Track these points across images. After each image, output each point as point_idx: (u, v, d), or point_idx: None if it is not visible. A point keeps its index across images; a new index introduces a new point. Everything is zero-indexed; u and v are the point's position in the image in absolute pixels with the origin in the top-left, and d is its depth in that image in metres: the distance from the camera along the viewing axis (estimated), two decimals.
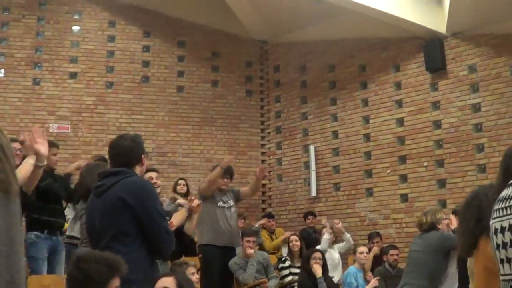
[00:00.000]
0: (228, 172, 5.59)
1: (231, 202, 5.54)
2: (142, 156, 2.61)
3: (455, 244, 3.70)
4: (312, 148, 8.12)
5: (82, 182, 3.80)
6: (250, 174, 8.24)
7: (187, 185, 6.43)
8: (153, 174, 4.36)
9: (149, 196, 2.46)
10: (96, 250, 2.27)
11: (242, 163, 7.68)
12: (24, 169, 2.85)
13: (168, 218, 3.60)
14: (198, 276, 4.25)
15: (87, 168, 4.01)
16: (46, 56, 7.74)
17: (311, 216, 7.41)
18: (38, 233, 4.54)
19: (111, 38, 7.93)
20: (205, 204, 5.11)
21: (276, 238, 7.50)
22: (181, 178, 6.54)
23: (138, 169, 2.61)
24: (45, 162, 2.96)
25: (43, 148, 2.89)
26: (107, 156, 2.96)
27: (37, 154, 2.85)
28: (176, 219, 3.96)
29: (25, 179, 2.81)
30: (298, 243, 5.95)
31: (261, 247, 6.62)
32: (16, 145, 3.58)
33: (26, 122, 7.71)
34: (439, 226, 4.07)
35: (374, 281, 5.25)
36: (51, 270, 4.59)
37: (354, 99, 7.81)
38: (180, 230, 4.39)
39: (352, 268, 5.73)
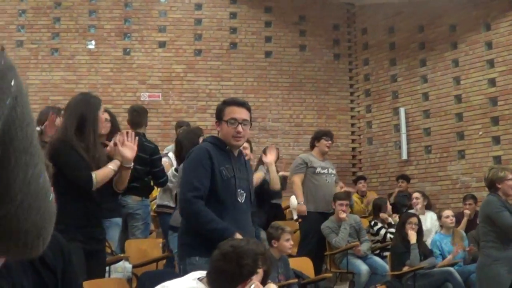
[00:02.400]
0: (329, 135, 6.19)
1: (331, 169, 6.03)
2: (216, 122, 3.11)
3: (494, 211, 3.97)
4: (402, 111, 8.66)
5: (181, 147, 4.32)
6: (340, 138, 8.84)
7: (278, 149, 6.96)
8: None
9: (185, 161, 3.17)
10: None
11: (332, 127, 8.37)
12: (104, 173, 3.02)
13: None
14: (292, 243, 4.72)
15: (184, 134, 4.58)
16: (135, 27, 8.51)
17: (401, 180, 7.85)
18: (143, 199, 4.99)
19: (198, 6, 8.66)
20: (306, 171, 5.90)
21: (367, 202, 8.01)
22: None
23: (220, 134, 3.09)
24: (131, 165, 3.13)
25: (129, 153, 3.07)
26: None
27: (123, 158, 3.05)
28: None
29: (102, 183, 3.01)
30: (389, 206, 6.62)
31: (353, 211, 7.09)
32: (106, 115, 4.05)
33: (118, 92, 8.50)
34: (499, 186, 4.09)
35: (456, 251, 5.70)
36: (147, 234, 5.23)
37: (444, 60, 8.36)
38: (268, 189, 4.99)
39: (436, 237, 6.12)
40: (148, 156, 4.68)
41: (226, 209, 2.94)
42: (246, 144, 4.94)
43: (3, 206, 0.89)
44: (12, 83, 0.90)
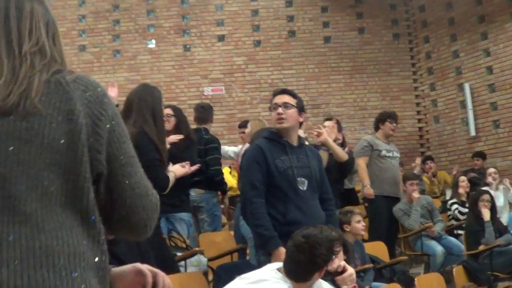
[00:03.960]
0: (393, 117, 6.43)
1: (396, 152, 6.18)
2: None
3: None
4: (467, 86, 8.98)
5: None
6: (405, 118, 9.14)
7: (342, 135, 7.14)
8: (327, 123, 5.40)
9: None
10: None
11: (397, 108, 8.78)
12: (172, 178, 3.44)
13: None
14: (364, 224, 4.84)
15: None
16: (193, 23, 9.04)
17: (477, 158, 8.04)
18: (214, 193, 5.32)
19: None
20: (371, 154, 6.13)
21: (438, 181, 8.20)
22: (327, 119, 7.26)
23: None
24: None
25: (178, 171, 3.53)
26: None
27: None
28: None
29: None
30: (465, 183, 6.73)
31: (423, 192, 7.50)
32: (168, 110, 4.43)
33: (181, 88, 9.02)
34: None
35: None
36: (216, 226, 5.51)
37: (505, 32, 8.69)
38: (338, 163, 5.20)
39: None
40: (203, 147, 5.06)
41: (289, 199, 3.28)
42: (328, 123, 5.18)
43: (118, 211, 1.23)
44: (109, 107, 1.23)
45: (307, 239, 2.57)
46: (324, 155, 5.13)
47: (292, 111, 3.36)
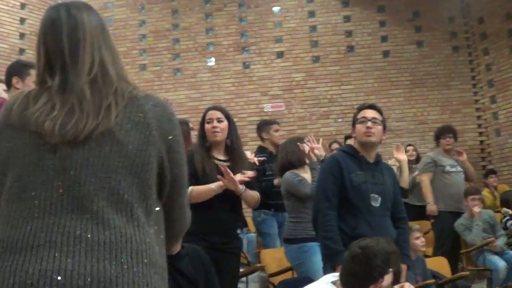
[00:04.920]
0: (449, 131, 6.64)
1: (459, 166, 6.44)
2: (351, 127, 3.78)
3: None
4: None
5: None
6: (466, 132, 9.35)
7: (416, 150, 7.25)
8: None
9: None
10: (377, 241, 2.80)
11: (457, 122, 9.02)
12: (203, 191, 3.39)
13: None
14: (423, 240, 5.00)
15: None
16: (252, 40, 9.38)
17: None
18: (266, 211, 5.56)
19: (311, 13, 9.50)
20: (435, 170, 6.40)
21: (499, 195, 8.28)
22: (410, 145, 7.96)
23: (355, 140, 3.72)
24: (243, 190, 3.52)
25: (231, 185, 3.44)
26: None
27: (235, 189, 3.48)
28: None
29: (197, 199, 3.32)
30: None
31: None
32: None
33: (241, 105, 9.39)
34: None
35: None
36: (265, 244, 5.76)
37: None
38: None
39: None
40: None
41: (360, 213, 3.42)
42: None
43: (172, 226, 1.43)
44: (176, 128, 1.40)
45: (363, 250, 2.60)
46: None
47: (380, 128, 3.58)
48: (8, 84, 3.58)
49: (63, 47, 1.36)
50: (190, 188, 3.28)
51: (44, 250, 1.20)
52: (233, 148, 3.61)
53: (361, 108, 3.67)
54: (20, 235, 1.24)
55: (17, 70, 3.56)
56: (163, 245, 1.36)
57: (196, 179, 3.41)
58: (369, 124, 3.51)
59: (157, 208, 1.35)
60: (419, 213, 6.86)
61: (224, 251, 3.47)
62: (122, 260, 1.22)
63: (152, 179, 1.32)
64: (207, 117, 3.59)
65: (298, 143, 4.41)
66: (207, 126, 3.56)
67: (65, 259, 1.19)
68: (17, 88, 3.50)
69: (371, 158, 3.58)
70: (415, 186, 6.96)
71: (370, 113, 3.58)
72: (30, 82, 3.52)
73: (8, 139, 1.34)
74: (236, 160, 3.57)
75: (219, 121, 3.56)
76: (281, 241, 5.37)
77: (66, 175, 1.27)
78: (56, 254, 1.20)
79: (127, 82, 1.41)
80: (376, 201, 3.44)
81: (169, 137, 1.36)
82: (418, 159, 7.53)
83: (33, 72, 3.52)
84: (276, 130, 6.09)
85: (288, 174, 4.46)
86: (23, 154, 1.31)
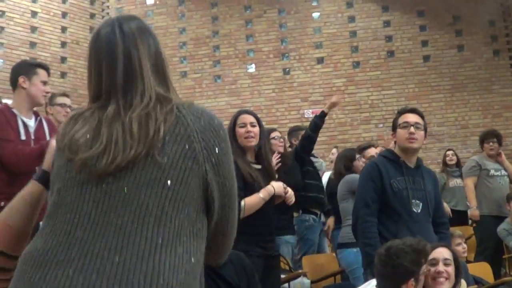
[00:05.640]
0: (493, 136, 6.78)
1: (504, 170, 6.52)
2: (391, 133, 3.74)
3: None
4: None
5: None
6: (508, 136, 9.47)
7: (456, 155, 7.40)
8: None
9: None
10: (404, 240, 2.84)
11: (499, 126, 9.26)
12: (254, 203, 3.37)
13: None
14: (465, 246, 5.04)
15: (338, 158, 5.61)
16: (292, 46, 9.60)
17: None
18: (314, 217, 5.66)
19: (351, 19, 9.68)
20: (479, 173, 6.57)
21: None
22: (449, 149, 8.07)
23: (397, 146, 3.66)
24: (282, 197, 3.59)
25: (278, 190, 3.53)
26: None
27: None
28: None
29: (250, 212, 3.33)
30: None
31: None
32: (277, 133, 5.30)
33: (282, 111, 9.59)
34: None
35: None
36: (320, 250, 5.88)
37: None
38: None
39: None
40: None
41: (401, 219, 3.42)
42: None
43: (215, 236, 1.42)
44: (224, 140, 1.37)
45: (387, 251, 2.64)
46: None
47: (422, 133, 3.54)
48: (14, 84, 3.59)
49: (116, 77, 1.38)
50: (242, 201, 3.29)
51: (61, 267, 1.22)
52: (263, 152, 3.63)
53: (402, 112, 3.63)
54: (45, 250, 1.27)
55: (23, 69, 3.59)
56: (199, 264, 1.32)
57: (245, 190, 3.37)
58: (412, 129, 3.48)
59: (196, 225, 1.32)
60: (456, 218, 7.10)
61: (268, 257, 3.47)
62: (133, 282, 1.19)
63: (189, 193, 1.30)
64: (240, 121, 3.56)
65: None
66: (240, 130, 3.53)
67: (78, 276, 1.20)
68: (24, 88, 3.54)
69: (411, 163, 3.57)
70: (453, 190, 7.23)
71: (412, 118, 3.54)
72: (37, 81, 3.57)
73: (58, 158, 1.39)
74: (266, 165, 3.60)
75: (253, 125, 3.55)
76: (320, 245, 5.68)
77: (98, 187, 1.28)
78: (70, 272, 1.21)
79: (172, 95, 1.41)
80: (417, 207, 3.44)
81: (215, 150, 1.34)
82: (458, 164, 7.69)
83: (40, 71, 3.64)
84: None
85: (352, 175, 4.74)
86: (65, 170, 1.35)
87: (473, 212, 6.43)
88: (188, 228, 1.29)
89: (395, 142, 3.72)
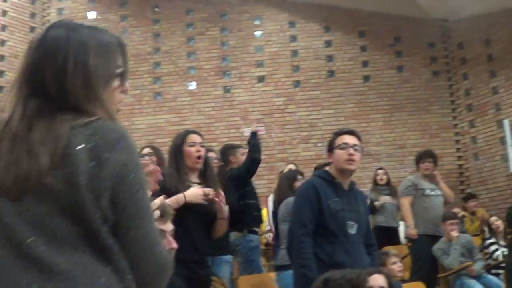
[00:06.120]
0: (429, 156, 6.92)
1: (439, 190, 6.68)
2: (327, 154, 3.71)
3: None
4: (506, 122, 9.59)
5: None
6: (445, 156, 9.66)
7: (387, 174, 7.55)
8: None
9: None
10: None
11: (436, 146, 9.44)
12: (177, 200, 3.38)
13: None
14: (400, 265, 5.13)
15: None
16: (233, 64, 9.69)
17: None
18: (256, 236, 5.76)
19: (293, 38, 9.83)
20: (415, 193, 6.69)
21: (477, 219, 8.51)
22: (380, 168, 8.22)
23: (332, 166, 3.64)
24: (225, 217, 3.57)
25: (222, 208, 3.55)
26: None
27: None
28: None
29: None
30: (499, 222, 7.28)
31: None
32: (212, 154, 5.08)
33: (221, 129, 9.69)
34: None
35: None
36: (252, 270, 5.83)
37: None
38: None
39: None
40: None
41: (337, 241, 3.43)
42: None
43: (128, 260, 1.28)
44: (121, 153, 1.26)
45: (325, 284, 2.65)
46: None
47: (359, 155, 3.58)
48: None
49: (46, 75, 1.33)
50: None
51: None
52: (209, 173, 3.67)
53: (340, 133, 3.63)
54: None
55: None
56: (124, 283, 1.28)
57: (179, 209, 3.33)
58: (351, 151, 3.50)
59: (109, 244, 1.28)
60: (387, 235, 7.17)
61: (192, 280, 3.44)
62: None
63: (94, 217, 1.25)
64: (190, 140, 3.59)
65: None
66: (190, 149, 3.55)
67: None
68: None
69: (346, 185, 3.61)
70: (384, 207, 7.41)
71: (351, 140, 3.56)
72: None
73: None
74: (210, 185, 3.58)
75: (202, 145, 3.60)
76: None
77: (1, 224, 1.25)
78: None
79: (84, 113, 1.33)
80: (352, 228, 3.47)
81: (112, 164, 1.26)
82: (388, 183, 7.81)
83: None
84: (243, 154, 6.24)
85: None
86: None
87: (410, 231, 6.51)
88: (106, 249, 1.26)
89: (328, 163, 3.74)
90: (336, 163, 3.54)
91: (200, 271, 3.51)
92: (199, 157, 3.55)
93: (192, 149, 3.54)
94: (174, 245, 2.29)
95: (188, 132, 3.67)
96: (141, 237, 1.28)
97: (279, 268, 4.96)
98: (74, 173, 1.23)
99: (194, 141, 3.57)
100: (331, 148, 3.60)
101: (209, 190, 3.45)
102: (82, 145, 1.25)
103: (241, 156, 6.13)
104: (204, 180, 3.61)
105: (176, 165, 3.53)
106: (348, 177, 3.60)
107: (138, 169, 1.30)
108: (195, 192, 3.43)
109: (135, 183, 1.28)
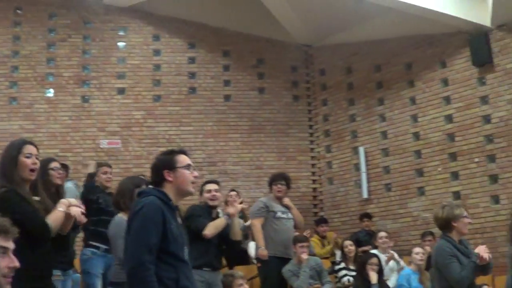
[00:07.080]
0: (282, 178, 7.10)
1: (290, 213, 6.85)
2: (164, 172, 3.30)
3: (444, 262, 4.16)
4: (361, 150, 9.90)
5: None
6: (300, 179, 9.95)
7: (239, 196, 7.88)
8: (211, 187, 5.68)
9: (133, 216, 3.28)
10: None
11: (292, 168, 9.72)
12: (55, 217, 3.39)
13: None
14: (246, 287, 5.21)
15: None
16: (93, 74, 9.73)
17: (366, 219, 8.84)
18: (94, 250, 5.83)
19: (157, 52, 9.93)
20: (266, 215, 6.82)
21: (328, 243, 8.83)
22: (233, 190, 8.33)
23: (168, 186, 3.32)
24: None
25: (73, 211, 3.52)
26: None
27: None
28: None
29: (56, 228, 3.37)
30: (353, 247, 7.67)
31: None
32: (56, 164, 4.90)
33: (77, 140, 9.68)
34: (455, 224, 4.30)
35: None
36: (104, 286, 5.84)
37: (401, 98, 9.65)
38: (228, 238, 5.57)
39: (407, 270, 6.88)
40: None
41: (179, 265, 3.28)
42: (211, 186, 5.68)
43: None
44: None
45: None
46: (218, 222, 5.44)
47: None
48: None
49: None
50: (48, 220, 3.32)
51: None
52: (41, 185, 3.65)
53: (178, 152, 3.43)
54: None
55: None
56: None
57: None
58: (196, 173, 3.39)
59: None
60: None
61: None
62: None
63: None
64: (26, 150, 3.43)
65: None
66: (25, 160, 3.41)
67: None
68: None
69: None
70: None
71: (188, 160, 3.42)
72: None
73: None
74: (43, 197, 3.55)
75: (37, 158, 3.47)
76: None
77: None
78: None
79: None
80: (186, 254, 3.36)
81: None
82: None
83: None
84: (105, 172, 6.34)
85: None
86: None
87: (262, 252, 6.57)
88: None
89: (170, 183, 3.39)
90: (181, 184, 3.35)
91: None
92: (33, 170, 3.43)
93: (28, 161, 3.41)
94: (17, 263, 2.26)
95: (24, 142, 3.53)
96: None
97: (112, 285, 4.73)
98: None
99: (30, 152, 3.44)
100: (170, 167, 3.33)
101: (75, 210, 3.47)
102: None
103: (102, 175, 6.27)
104: (35, 192, 3.54)
105: (10, 176, 3.38)
106: (181, 200, 3.49)
107: None
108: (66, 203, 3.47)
109: None
